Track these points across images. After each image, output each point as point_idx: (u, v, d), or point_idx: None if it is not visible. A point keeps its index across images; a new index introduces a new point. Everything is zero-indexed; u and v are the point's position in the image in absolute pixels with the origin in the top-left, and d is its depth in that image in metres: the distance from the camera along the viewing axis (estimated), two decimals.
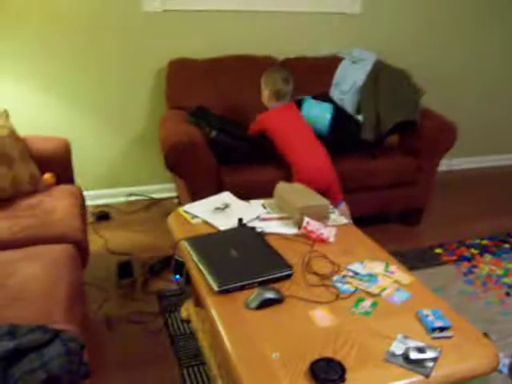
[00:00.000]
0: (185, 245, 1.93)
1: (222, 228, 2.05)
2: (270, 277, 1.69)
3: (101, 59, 3.13)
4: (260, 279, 1.67)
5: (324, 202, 2.09)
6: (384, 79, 3.10)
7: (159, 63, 3.22)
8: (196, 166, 2.60)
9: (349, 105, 3.21)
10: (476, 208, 3.51)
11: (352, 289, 1.67)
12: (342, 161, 2.86)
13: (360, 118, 3.05)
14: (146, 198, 3.51)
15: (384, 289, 1.67)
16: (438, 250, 2.88)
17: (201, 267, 1.77)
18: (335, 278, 1.73)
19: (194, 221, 2.14)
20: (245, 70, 3.21)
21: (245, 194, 2.64)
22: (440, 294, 2.48)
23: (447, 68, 3.91)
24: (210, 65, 3.17)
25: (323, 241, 1.96)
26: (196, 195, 2.64)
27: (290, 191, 2.20)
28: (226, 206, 2.24)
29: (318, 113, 2.94)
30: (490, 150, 4.29)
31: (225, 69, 3.19)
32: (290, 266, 1.73)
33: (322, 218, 2.08)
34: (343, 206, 2.76)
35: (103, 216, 3.23)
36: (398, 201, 3.06)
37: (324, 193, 2.64)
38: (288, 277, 1.72)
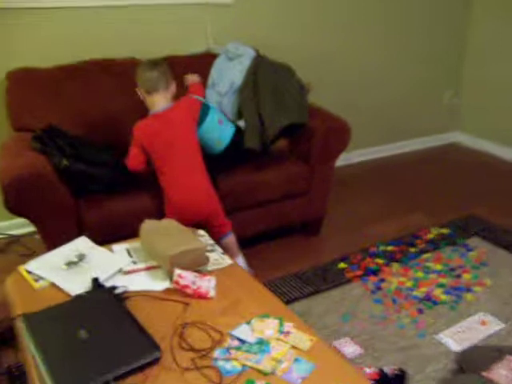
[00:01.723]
0: (20, 325, 1.46)
1: (75, 292, 1.59)
2: (130, 367, 1.26)
3: None
4: (116, 374, 1.24)
5: (200, 244, 1.68)
6: (264, 77, 2.73)
7: None
8: (44, 206, 2.10)
9: (228, 109, 2.81)
10: (378, 206, 3.27)
11: (238, 367, 1.29)
12: (225, 177, 2.47)
13: (241, 124, 2.67)
14: (1, 236, 2.93)
15: (279, 361, 1.30)
16: (341, 265, 2.59)
17: (38, 361, 1.31)
18: (216, 352, 1.34)
19: (39, 284, 1.66)
20: (105, 76, 2.72)
21: (114, 232, 2.19)
22: (348, 321, 2.17)
23: (333, 61, 3.62)
24: (59, 73, 2.64)
25: (201, 297, 1.56)
26: (50, 242, 2.14)
27: (157, 232, 1.77)
28: (81, 257, 1.77)
29: (218, 137, 2.47)
30: (385, 140, 4.10)
31: (79, 77, 2.67)
32: (157, 347, 1.31)
33: (200, 263, 1.68)
34: (229, 238, 2.38)
35: None
36: (294, 213, 2.73)
37: (205, 223, 2.26)
38: (155, 361, 1.31)
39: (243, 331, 1.41)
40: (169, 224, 1.83)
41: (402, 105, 4.06)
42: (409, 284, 2.42)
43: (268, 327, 1.42)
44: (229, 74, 2.86)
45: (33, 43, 2.71)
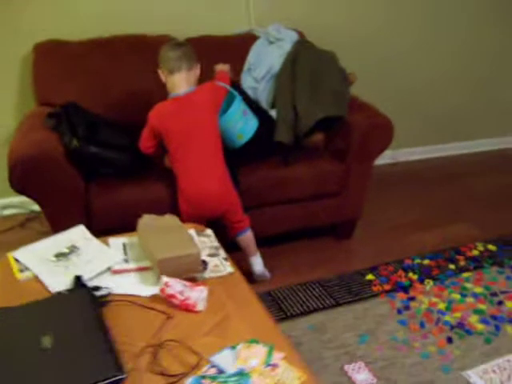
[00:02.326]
0: None
1: (55, 289, 1.46)
2: None
3: None
4: None
5: (194, 249, 1.51)
6: (304, 64, 2.51)
7: (24, 47, 2.55)
8: (51, 187, 1.99)
9: (263, 96, 2.62)
10: (420, 212, 3.00)
11: None
12: (247, 171, 2.28)
13: (273, 113, 2.47)
14: (23, 211, 2.87)
15: None
16: (369, 276, 2.36)
17: None
18: (188, 380, 1.17)
19: (22, 275, 1.55)
20: (135, 53, 2.58)
21: (122, 222, 2.06)
22: (365, 343, 1.96)
23: (384, 51, 3.32)
24: (88, 48, 2.52)
25: (188, 309, 1.39)
26: (56, 226, 2.03)
27: (153, 230, 1.61)
28: (73, 249, 1.64)
29: (240, 129, 2.24)
30: (435, 140, 3.77)
31: (108, 53, 2.54)
32: (120, 368, 1.16)
33: (193, 271, 1.51)
34: (247, 235, 2.20)
35: None
36: (324, 213, 2.51)
37: (221, 219, 2.09)
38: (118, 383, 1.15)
39: (224, 358, 1.23)
40: (168, 221, 1.67)
41: (461, 103, 3.70)
42: (441, 306, 2.17)
43: (254, 356, 1.24)
44: (267, 59, 2.66)
45: (63, 16, 2.60)
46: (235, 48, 2.73)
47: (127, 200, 2.11)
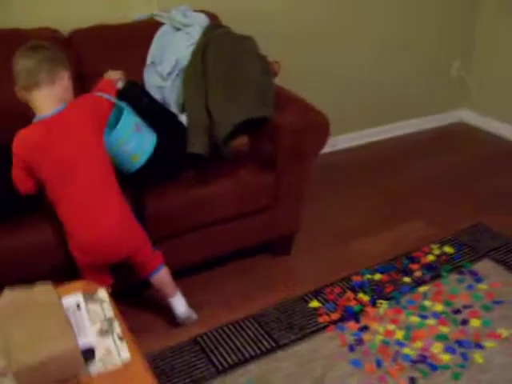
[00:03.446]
0: None
1: None
2: None
3: None
4: None
5: (68, 343, 1.09)
6: (215, 54, 2.09)
7: None
8: None
9: (172, 97, 2.18)
10: (367, 210, 2.66)
11: None
12: (156, 194, 1.86)
13: (183, 118, 2.04)
14: None
15: None
16: (313, 303, 2.01)
17: None
18: None
19: None
20: (8, 52, 2.05)
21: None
22: None
23: (307, 24, 2.89)
24: None
25: None
26: None
27: (14, 317, 1.17)
28: None
29: (134, 149, 1.76)
30: (379, 121, 3.43)
31: None
32: None
33: (71, 370, 1.10)
34: (161, 273, 1.79)
35: None
36: (253, 233, 2.14)
37: (125, 261, 1.68)
38: None
39: None
40: (38, 297, 1.23)
41: (402, 78, 3.36)
42: (399, 335, 1.84)
43: None
44: (173, 50, 2.22)
45: None
46: (135, 39, 2.26)
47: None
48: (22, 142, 1.57)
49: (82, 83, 2.03)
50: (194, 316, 1.91)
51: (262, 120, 2.03)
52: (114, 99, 1.74)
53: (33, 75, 1.56)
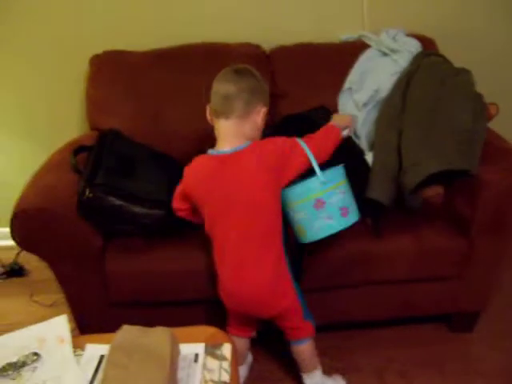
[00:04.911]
0: None
1: None
2: None
3: None
4: None
5: None
6: (421, 88, 1.80)
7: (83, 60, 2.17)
8: (59, 246, 1.59)
9: (363, 131, 1.95)
10: None
11: None
12: (320, 242, 1.66)
13: (369, 157, 1.80)
14: None
15: None
16: None
17: None
18: None
19: None
20: (211, 66, 2.04)
21: (144, 295, 1.63)
22: None
23: None
24: (153, 59, 2.08)
25: None
26: (68, 294, 1.66)
27: (122, 358, 1.10)
28: (28, 360, 1.21)
29: (309, 223, 1.46)
30: None
31: (176, 65, 2.07)
32: None
33: None
34: (304, 346, 1.56)
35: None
36: (429, 302, 1.80)
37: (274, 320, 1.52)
38: None
39: None
40: (152, 341, 1.14)
41: None
42: None
43: None
44: (374, 78, 1.99)
45: (136, 21, 2.17)
46: (335, 61, 2.09)
47: (150, 269, 1.63)
48: (192, 171, 1.47)
49: (273, 104, 1.91)
50: None
51: (462, 173, 1.69)
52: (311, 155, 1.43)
53: (227, 102, 1.41)
